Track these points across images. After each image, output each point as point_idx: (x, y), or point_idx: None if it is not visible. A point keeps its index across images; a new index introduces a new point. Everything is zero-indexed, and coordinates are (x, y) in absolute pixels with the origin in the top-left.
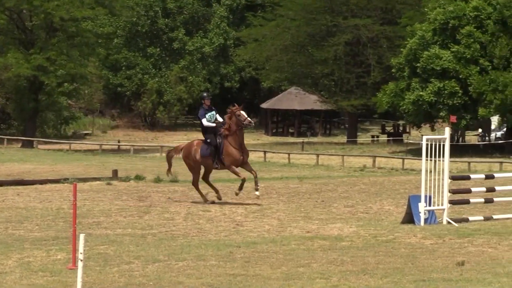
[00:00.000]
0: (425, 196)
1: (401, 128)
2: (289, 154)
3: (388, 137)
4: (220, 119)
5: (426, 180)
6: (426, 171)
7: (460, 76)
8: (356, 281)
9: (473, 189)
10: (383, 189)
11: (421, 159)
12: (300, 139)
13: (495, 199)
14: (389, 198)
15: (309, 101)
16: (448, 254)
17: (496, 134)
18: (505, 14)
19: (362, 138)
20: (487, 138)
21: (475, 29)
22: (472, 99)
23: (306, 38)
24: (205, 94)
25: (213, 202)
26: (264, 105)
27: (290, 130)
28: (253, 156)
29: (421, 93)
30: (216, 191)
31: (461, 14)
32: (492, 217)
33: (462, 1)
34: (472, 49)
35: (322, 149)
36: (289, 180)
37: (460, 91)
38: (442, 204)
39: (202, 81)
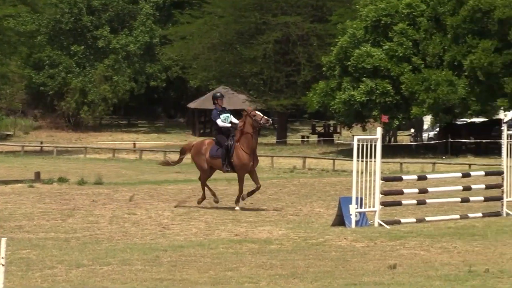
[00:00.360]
0: (356, 198)
1: (331, 128)
2: None
3: (318, 137)
4: (235, 121)
5: (357, 182)
6: (357, 172)
7: (392, 75)
8: (286, 285)
9: (405, 191)
10: (313, 190)
11: (352, 160)
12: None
13: (427, 200)
14: (319, 200)
15: (237, 101)
16: (380, 257)
17: (428, 134)
18: (439, 11)
19: (292, 138)
20: (419, 138)
21: (408, 27)
22: (405, 98)
23: (234, 36)
24: (218, 94)
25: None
26: (191, 105)
27: None
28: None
29: (352, 93)
30: (203, 198)
31: (394, 11)
32: (424, 219)
33: None
34: (405, 46)
35: None
36: (217, 182)
37: (392, 91)
38: (373, 206)
39: (127, 81)
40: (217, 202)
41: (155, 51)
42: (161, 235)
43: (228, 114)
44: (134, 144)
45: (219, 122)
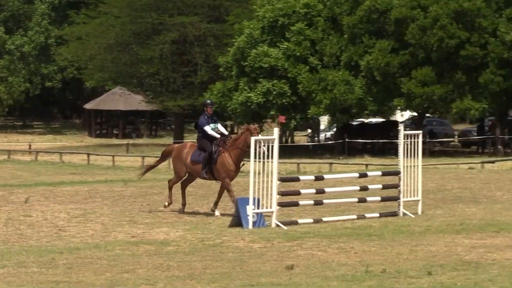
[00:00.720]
0: (254, 199)
1: (229, 128)
2: (113, 156)
3: None
4: (223, 130)
5: (254, 182)
6: (255, 173)
7: (289, 75)
8: (183, 286)
9: (302, 191)
10: (210, 191)
11: (249, 161)
12: (125, 141)
13: (324, 201)
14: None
15: (134, 102)
16: (277, 257)
17: (326, 135)
18: (335, 11)
19: (189, 139)
20: (316, 138)
21: (305, 27)
22: (302, 98)
23: (131, 37)
24: (208, 101)
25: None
26: (87, 106)
27: (115, 132)
28: (76, 159)
29: (249, 94)
30: (184, 204)
31: (291, 11)
32: (321, 220)
33: None
34: (302, 46)
35: (148, 151)
36: (114, 184)
37: (289, 91)
38: (270, 207)
39: (22, 81)
40: (166, 206)
41: (50, 51)
42: (57, 237)
43: (217, 124)
44: (30, 145)
45: (207, 129)
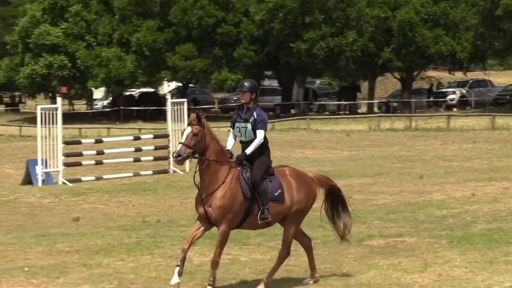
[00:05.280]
0: (42, 160)
1: (17, 98)
2: None
3: (6, 107)
4: (260, 136)
5: (42, 145)
6: (42, 137)
7: (69, 50)
8: None
9: (84, 153)
10: (3, 154)
11: (36, 127)
12: None
13: (104, 161)
14: (9, 162)
15: None
16: (65, 211)
17: (103, 103)
18: None
19: None
20: (94, 106)
21: (81, 9)
22: (81, 71)
23: None
24: (246, 83)
25: None
26: None
27: None
28: None
29: (34, 67)
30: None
31: None
32: (102, 177)
33: None
34: (79, 26)
35: None
36: None
37: (69, 64)
38: (57, 167)
39: None
40: None
41: None
42: None
43: (249, 124)
44: None
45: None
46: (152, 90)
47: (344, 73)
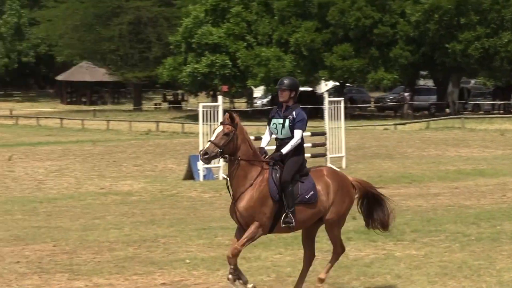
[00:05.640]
0: None
1: (180, 96)
2: (82, 120)
3: (169, 104)
4: (298, 136)
5: (203, 142)
6: (203, 134)
7: (230, 50)
8: (146, 230)
9: None
10: (166, 150)
11: (198, 124)
12: (92, 107)
13: None
14: (172, 158)
15: (98, 74)
16: (225, 205)
17: (262, 101)
18: None
19: (147, 105)
20: (255, 104)
21: (242, 10)
22: (241, 71)
23: (94, 19)
24: (285, 80)
25: None
26: (59, 77)
27: (83, 100)
28: (51, 123)
29: (196, 66)
30: None
31: None
32: None
33: None
34: (240, 26)
35: (112, 116)
36: (84, 143)
37: (230, 63)
38: (218, 163)
39: (1, 57)
40: None
41: (23, 31)
42: (37, 189)
43: (288, 121)
44: (11, 111)
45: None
46: (310, 89)
47: (498, 73)
